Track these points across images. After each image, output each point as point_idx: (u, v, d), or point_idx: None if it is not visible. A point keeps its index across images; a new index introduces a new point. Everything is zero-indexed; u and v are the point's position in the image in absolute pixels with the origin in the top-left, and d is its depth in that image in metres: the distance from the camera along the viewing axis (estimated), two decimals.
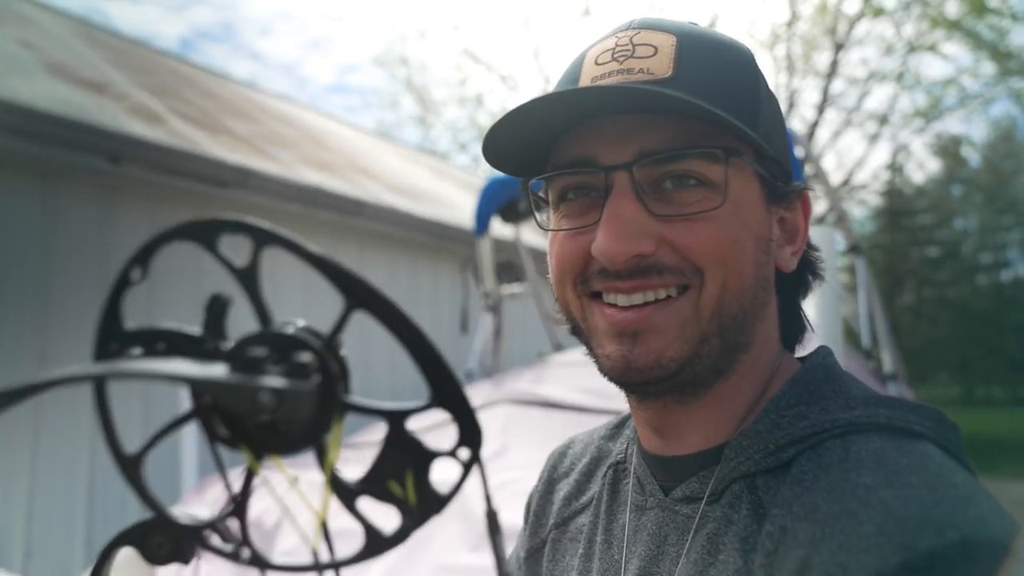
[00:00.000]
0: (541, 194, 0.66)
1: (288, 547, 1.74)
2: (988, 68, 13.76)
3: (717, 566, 0.54)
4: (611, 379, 0.60)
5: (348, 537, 0.35)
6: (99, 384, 0.34)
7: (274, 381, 0.28)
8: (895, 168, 22.13)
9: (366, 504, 0.33)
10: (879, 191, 22.52)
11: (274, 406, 0.27)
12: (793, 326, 0.69)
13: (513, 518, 0.90)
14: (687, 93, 0.54)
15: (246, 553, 0.35)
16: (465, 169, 13.59)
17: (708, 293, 0.57)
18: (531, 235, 4.87)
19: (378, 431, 0.40)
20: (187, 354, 0.33)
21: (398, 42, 23.36)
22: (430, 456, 0.32)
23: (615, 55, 0.59)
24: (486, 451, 2.05)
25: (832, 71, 13.52)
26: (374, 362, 4.47)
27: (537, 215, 0.67)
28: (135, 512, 3.47)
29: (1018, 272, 28.94)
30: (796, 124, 13.24)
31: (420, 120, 18.69)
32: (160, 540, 0.34)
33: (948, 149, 26.04)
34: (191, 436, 2.75)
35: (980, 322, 26.07)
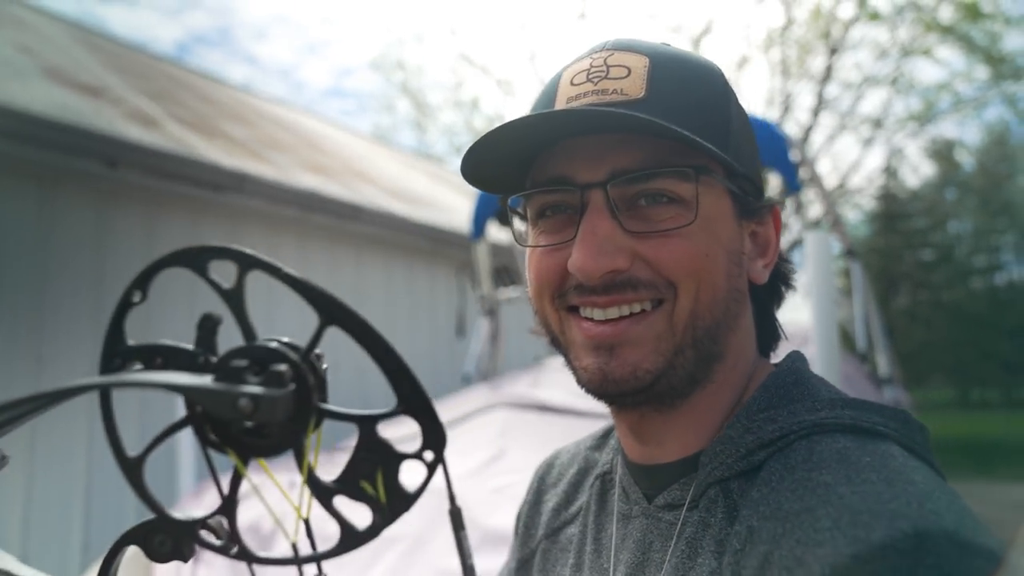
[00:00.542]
0: (520, 210, 0.68)
1: (284, 550, 1.76)
2: (982, 72, 13.81)
3: (696, 570, 0.55)
4: (588, 391, 0.63)
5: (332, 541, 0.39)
6: (105, 393, 0.37)
7: (252, 388, 0.31)
8: (890, 172, 22.18)
9: (342, 503, 0.36)
10: (874, 195, 22.53)
11: (252, 411, 0.31)
12: (769, 335, 0.71)
13: (511, 521, 0.91)
14: (658, 113, 0.56)
15: (235, 549, 0.38)
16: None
17: (681, 306, 0.59)
18: None
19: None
20: (181, 367, 0.36)
21: (394, 46, 23.18)
22: (398, 458, 0.36)
23: (590, 76, 0.61)
24: (484, 455, 2.07)
25: (827, 75, 13.55)
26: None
27: (516, 231, 0.70)
28: (131, 516, 3.49)
29: (1012, 275, 28.97)
30: (791, 128, 13.25)
31: (416, 124, 18.69)
32: (161, 539, 0.38)
33: (942, 153, 26.16)
34: (187, 441, 2.78)
35: (975, 325, 26.07)
